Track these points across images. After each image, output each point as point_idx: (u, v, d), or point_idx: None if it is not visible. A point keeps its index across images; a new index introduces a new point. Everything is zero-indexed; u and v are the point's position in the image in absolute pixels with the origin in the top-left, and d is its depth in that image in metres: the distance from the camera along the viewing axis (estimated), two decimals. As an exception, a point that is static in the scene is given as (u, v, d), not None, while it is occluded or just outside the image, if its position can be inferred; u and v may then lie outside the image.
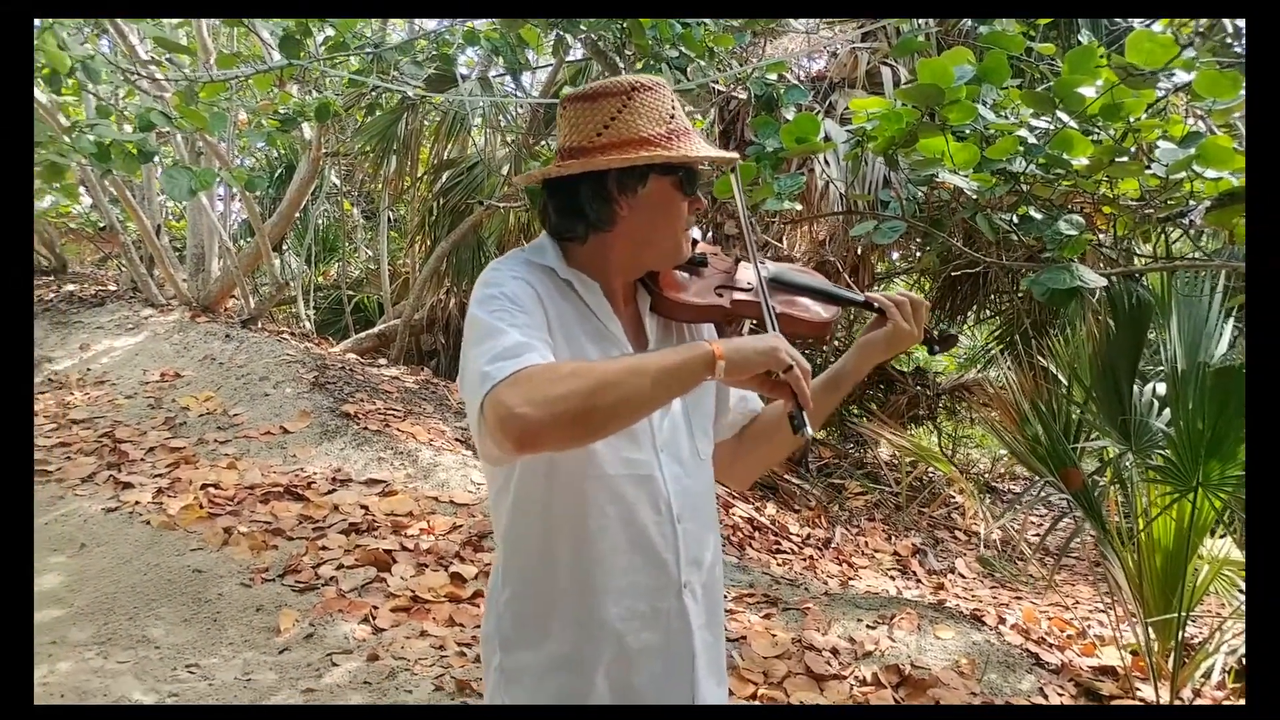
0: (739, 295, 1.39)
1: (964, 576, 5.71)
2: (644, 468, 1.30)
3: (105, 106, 4.58)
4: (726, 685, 1.44)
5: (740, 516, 5.53)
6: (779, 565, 4.87)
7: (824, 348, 6.78)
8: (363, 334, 8.13)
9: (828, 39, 5.96)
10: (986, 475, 8.70)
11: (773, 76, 4.19)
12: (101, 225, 7.73)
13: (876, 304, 1.43)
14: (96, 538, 4.01)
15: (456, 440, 5.43)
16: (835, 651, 3.43)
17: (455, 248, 7.29)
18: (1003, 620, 4.12)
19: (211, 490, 4.27)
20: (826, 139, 3.53)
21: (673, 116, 1.29)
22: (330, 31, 3.77)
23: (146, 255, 7.69)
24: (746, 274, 1.42)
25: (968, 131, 2.88)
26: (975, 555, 6.17)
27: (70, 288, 8.11)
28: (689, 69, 4.24)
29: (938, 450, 8.66)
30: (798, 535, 5.58)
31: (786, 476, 6.76)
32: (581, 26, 3.64)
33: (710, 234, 7.07)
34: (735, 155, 1.41)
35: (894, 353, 1.45)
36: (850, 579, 5.04)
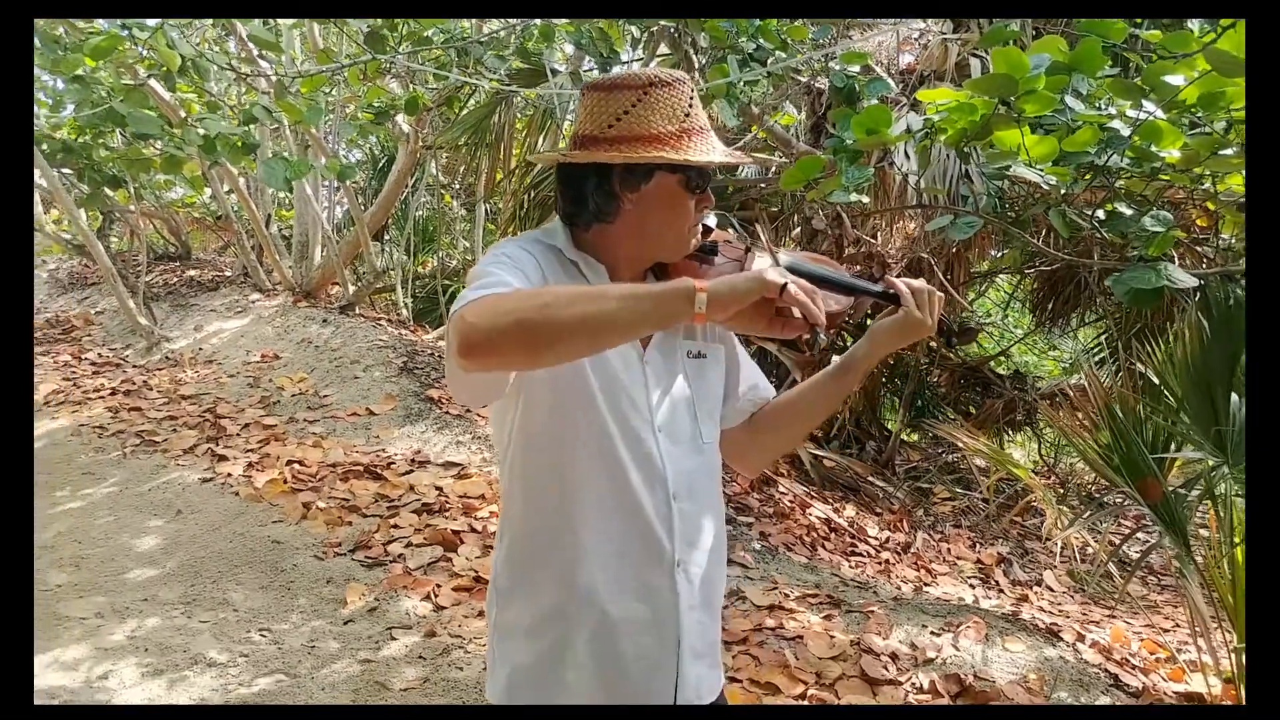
0: None
1: (1051, 590, 5.47)
2: (644, 444, 1.31)
3: (215, 101, 4.86)
4: (721, 670, 1.43)
5: (817, 517, 5.45)
6: (851, 567, 4.77)
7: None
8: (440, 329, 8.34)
9: (919, 30, 5.80)
10: (1091, 486, 8.31)
11: (854, 68, 4.11)
12: (219, 214, 8.19)
13: (891, 290, 1.40)
14: (191, 505, 4.26)
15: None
16: (894, 656, 3.35)
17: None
18: (1082, 637, 3.93)
19: (296, 466, 4.48)
20: (908, 131, 3.45)
21: (688, 115, 1.29)
22: (415, 26, 3.89)
23: (257, 243, 8.11)
24: (759, 263, 1.40)
25: (1054, 124, 2.76)
26: (1066, 568, 5.90)
27: (192, 273, 8.63)
28: (769, 61, 4.19)
29: (1034, 458, 8.32)
30: (875, 538, 5.46)
31: (870, 479, 6.62)
32: (631, 27, 3.64)
33: (798, 229, 6.99)
34: (747, 158, 1.41)
35: (906, 341, 1.41)
36: (925, 585, 4.90)
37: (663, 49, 6.65)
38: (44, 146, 7.40)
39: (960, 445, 5.21)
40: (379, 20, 3.86)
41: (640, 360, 1.34)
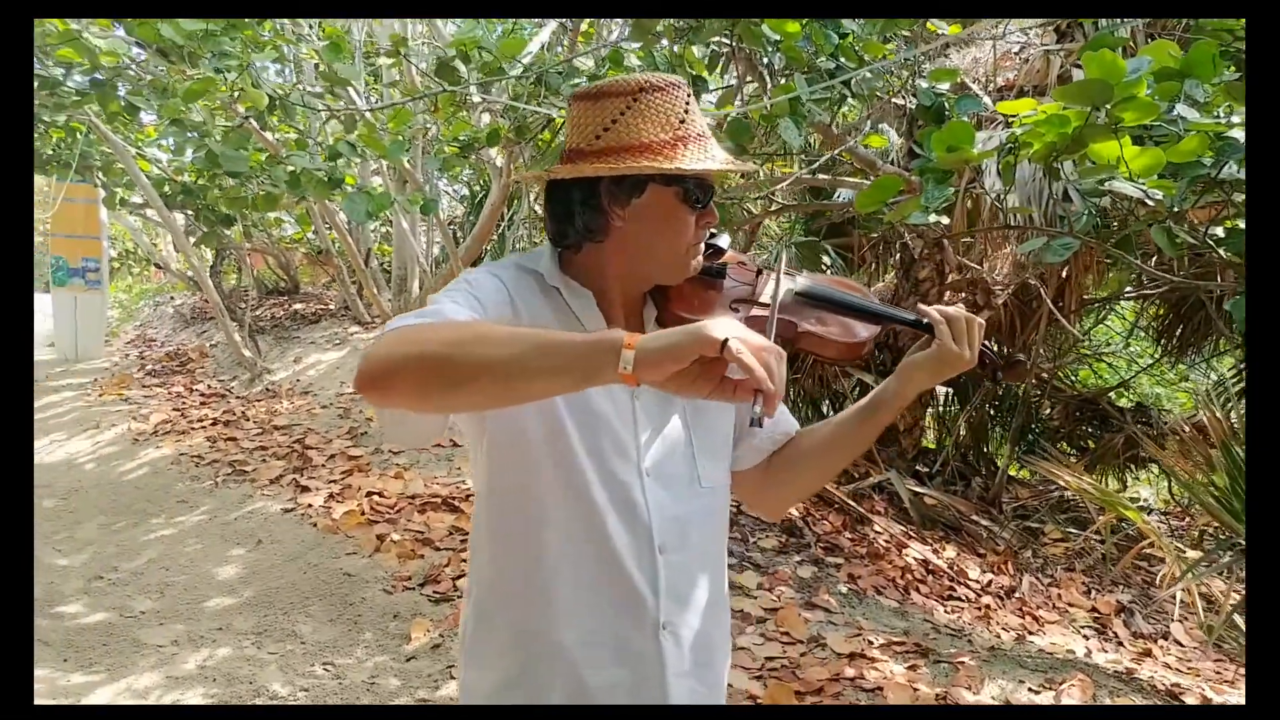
0: (757, 311, 1.23)
1: (1180, 645, 4.99)
2: (625, 489, 1.17)
3: (302, 139, 5.00)
4: None
5: (914, 558, 5.14)
6: (946, 613, 4.45)
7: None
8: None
9: (1019, 43, 5.50)
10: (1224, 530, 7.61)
11: (944, 85, 3.89)
12: (321, 249, 8.50)
13: (925, 320, 1.23)
14: (272, 535, 4.32)
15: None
16: (985, 716, 3.07)
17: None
18: (1208, 700, 3.53)
19: (375, 498, 4.50)
20: (997, 148, 3.22)
21: (683, 121, 1.15)
22: (489, 57, 3.89)
23: (357, 277, 8.35)
24: (770, 288, 1.26)
25: (1165, 134, 2.50)
26: (1199, 621, 5.37)
27: (297, 306, 8.96)
28: (853, 81, 4.02)
29: (1163, 496, 7.68)
30: (976, 582, 5.10)
31: (974, 517, 6.23)
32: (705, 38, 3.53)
33: (897, 256, 6.71)
34: (751, 166, 1.27)
35: (942, 376, 1.24)
36: (1030, 634, 4.53)
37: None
38: (165, 189, 7.86)
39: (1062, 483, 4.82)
40: (450, 51, 3.87)
41: (630, 393, 1.20)
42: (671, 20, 3.33)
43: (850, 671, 3.27)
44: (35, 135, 7.78)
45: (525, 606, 1.16)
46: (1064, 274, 6.35)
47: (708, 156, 1.16)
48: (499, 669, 1.18)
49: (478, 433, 1.18)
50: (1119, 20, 4.59)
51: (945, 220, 2.80)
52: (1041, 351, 7.24)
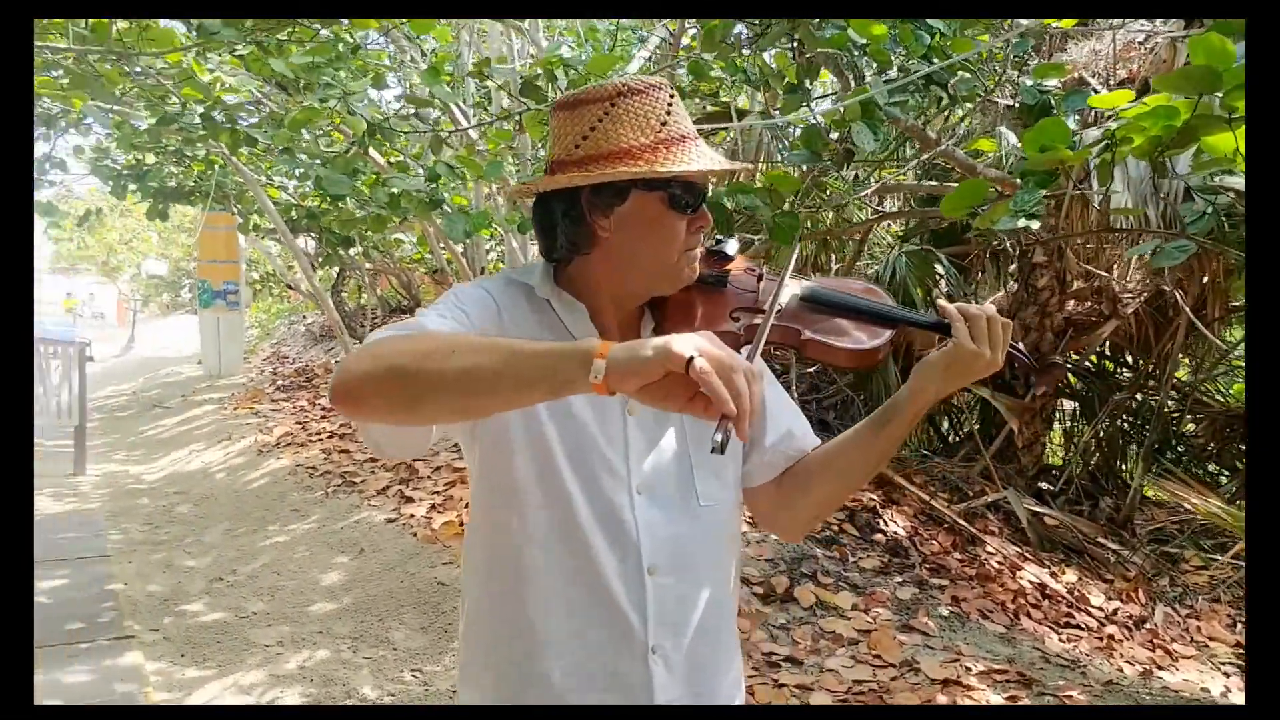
0: (758, 320, 1.18)
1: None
2: (612, 508, 1.12)
3: (402, 162, 5.19)
4: None
5: (1028, 581, 4.85)
6: (1060, 641, 4.17)
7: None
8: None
9: (1143, 32, 5.16)
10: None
11: (1052, 82, 3.68)
12: (436, 268, 8.80)
13: (943, 319, 1.15)
14: (375, 544, 4.48)
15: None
16: (1092, 755, 2.85)
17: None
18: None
19: (473, 508, 4.60)
20: (1100, 144, 3.02)
21: (664, 123, 1.11)
22: (574, 75, 3.94)
23: (471, 295, 8.61)
24: (778, 296, 1.20)
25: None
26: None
27: (417, 324, 9.30)
28: (950, 84, 3.86)
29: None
30: (1099, 609, 4.76)
31: (1101, 540, 5.84)
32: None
33: (1016, 263, 6.37)
34: (743, 165, 1.21)
35: (960, 380, 1.14)
36: (1160, 669, 4.19)
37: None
38: (292, 214, 8.33)
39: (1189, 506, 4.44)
40: (536, 69, 3.94)
41: (621, 406, 1.15)
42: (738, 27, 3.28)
43: (943, 698, 3.10)
44: (177, 169, 8.42)
45: (510, 637, 1.14)
46: (1204, 279, 5.88)
47: (690, 157, 1.10)
48: (489, 696, 1.16)
49: (469, 449, 1.17)
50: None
51: (1034, 225, 2.63)
52: (1185, 362, 6.74)
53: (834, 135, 3.40)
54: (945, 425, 7.56)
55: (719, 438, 0.83)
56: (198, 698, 3.22)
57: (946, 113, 5.77)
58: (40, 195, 10.00)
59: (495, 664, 1.15)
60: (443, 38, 5.93)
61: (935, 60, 3.71)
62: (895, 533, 4.98)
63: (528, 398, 0.94)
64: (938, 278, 6.82)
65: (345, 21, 4.18)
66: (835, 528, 4.88)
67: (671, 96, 1.14)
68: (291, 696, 3.23)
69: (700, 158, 1.11)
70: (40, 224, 11.30)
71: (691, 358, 0.83)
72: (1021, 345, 1.22)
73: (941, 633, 3.79)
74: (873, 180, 6.45)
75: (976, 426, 6.89)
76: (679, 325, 1.18)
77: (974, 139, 5.37)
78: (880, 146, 7.04)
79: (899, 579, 4.32)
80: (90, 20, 4.24)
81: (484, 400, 0.92)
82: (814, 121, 2.99)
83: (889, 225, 7.83)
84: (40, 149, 10.01)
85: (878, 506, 5.25)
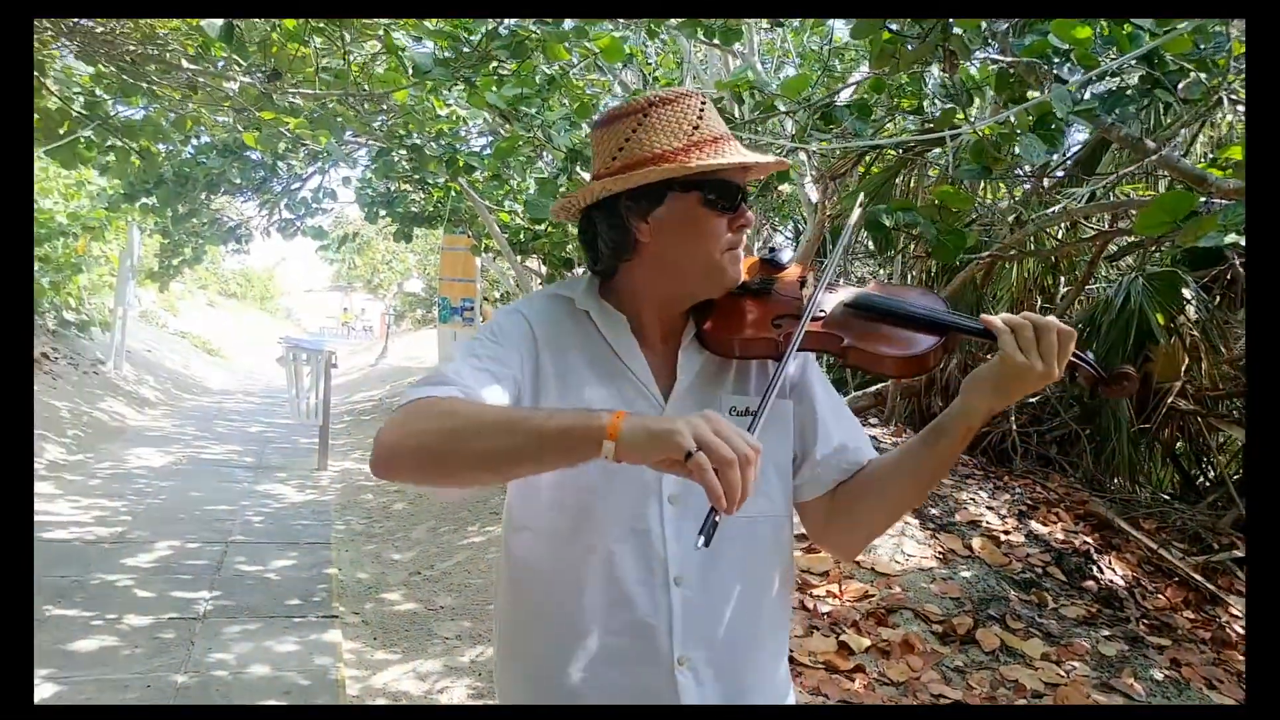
0: (798, 328, 1.15)
1: None
2: (638, 518, 1.12)
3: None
4: None
5: None
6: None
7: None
8: (859, 392, 8.14)
9: None
10: None
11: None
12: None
13: (988, 328, 1.07)
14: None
15: (906, 506, 5.11)
16: None
17: (951, 303, 6.91)
18: None
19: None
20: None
21: (696, 128, 1.13)
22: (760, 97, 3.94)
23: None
24: (821, 302, 1.17)
25: None
26: None
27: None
28: (1181, 85, 3.48)
29: None
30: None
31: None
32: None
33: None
34: (774, 159, 1.18)
35: (1013, 392, 1.07)
36: None
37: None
38: (521, 236, 8.89)
39: None
40: (722, 90, 3.98)
41: (657, 412, 1.16)
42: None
43: (1134, 771, 2.76)
44: (420, 195, 9.25)
45: (538, 650, 1.16)
46: None
47: (722, 154, 1.11)
48: (520, 698, 1.19)
49: None
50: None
51: (1242, 240, 2.32)
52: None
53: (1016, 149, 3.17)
54: (1191, 467, 6.74)
55: (704, 532, 0.90)
56: (381, 678, 3.50)
57: (1181, 120, 5.19)
58: (312, 221, 11.35)
59: (523, 676, 1.18)
60: (665, 64, 6.08)
61: (1156, 62, 3.37)
62: (1111, 581, 4.50)
63: (543, 469, 1.04)
64: (1185, 302, 6.15)
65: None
66: (1039, 570, 4.50)
67: (704, 103, 1.16)
68: (459, 688, 3.42)
69: (732, 153, 1.12)
70: (313, 245, 12.76)
71: (690, 453, 0.88)
72: (1090, 355, 1.10)
73: (1150, 698, 3.37)
74: (1112, 196, 5.94)
75: (1231, 471, 6.10)
76: (723, 333, 1.18)
77: (1224, 147, 4.78)
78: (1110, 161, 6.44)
79: (1106, 632, 3.90)
80: (333, 70, 4.78)
81: (505, 473, 1.04)
82: (977, 134, 2.81)
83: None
84: (315, 181, 11.33)
85: (1092, 550, 4.77)
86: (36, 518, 5.51)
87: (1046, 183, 6.67)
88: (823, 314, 1.16)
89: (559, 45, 3.79)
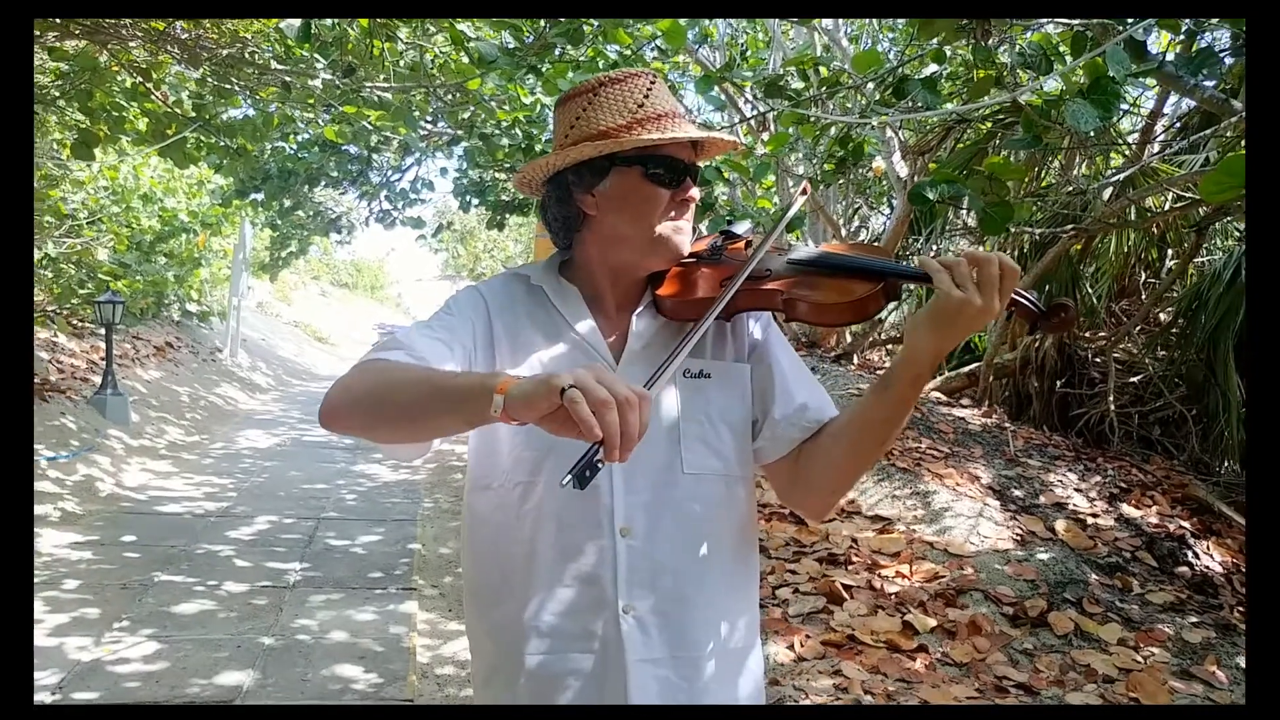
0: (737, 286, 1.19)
1: None
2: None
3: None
4: None
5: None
6: None
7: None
8: (953, 373, 7.93)
9: None
10: None
11: None
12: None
13: (923, 270, 1.08)
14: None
15: (987, 488, 4.97)
16: None
17: (1043, 281, 6.65)
18: None
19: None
20: None
21: (641, 105, 1.17)
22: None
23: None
24: (765, 262, 1.20)
25: None
26: None
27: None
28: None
29: None
30: None
31: None
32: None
33: None
34: (724, 136, 1.22)
35: (953, 331, 1.07)
36: None
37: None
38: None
39: None
40: (791, 69, 3.93)
41: (613, 368, 1.20)
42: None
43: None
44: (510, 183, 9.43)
45: (494, 598, 1.20)
46: None
47: (662, 130, 1.15)
48: (484, 658, 1.24)
49: None
50: None
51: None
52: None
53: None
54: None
55: (576, 468, 0.87)
56: (451, 648, 3.65)
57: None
58: (411, 211, 11.73)
59: (485, 625, 1.23)
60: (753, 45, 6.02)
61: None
62: (1207, 568, 4.29)
63: (452, 427, 1.03)
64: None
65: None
66: (1126, 554, 4.32)
67: (652, 82, 1.20)
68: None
69: (673, 129, 1.16)
70: (413, 235, 13.19)
71: (564, 389, 0.86)
72: (1031, 293, 1.10)
73: (1234, 686, 3.21)
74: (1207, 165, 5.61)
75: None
76: (673, 297, 1.23)
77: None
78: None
79: (1194, 619, 3.72)
80: (409, 60, 4.95)
81: (422, 427, 1.04)
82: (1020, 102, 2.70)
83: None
84: (413, 172, 11.70)
85: (1188, 535, 4.54)
86: (155, 493, 5.94)
87: (1157, 148, 6.32)
88: (768, 272, 1.19)
89: (618, 30, 3.83)
